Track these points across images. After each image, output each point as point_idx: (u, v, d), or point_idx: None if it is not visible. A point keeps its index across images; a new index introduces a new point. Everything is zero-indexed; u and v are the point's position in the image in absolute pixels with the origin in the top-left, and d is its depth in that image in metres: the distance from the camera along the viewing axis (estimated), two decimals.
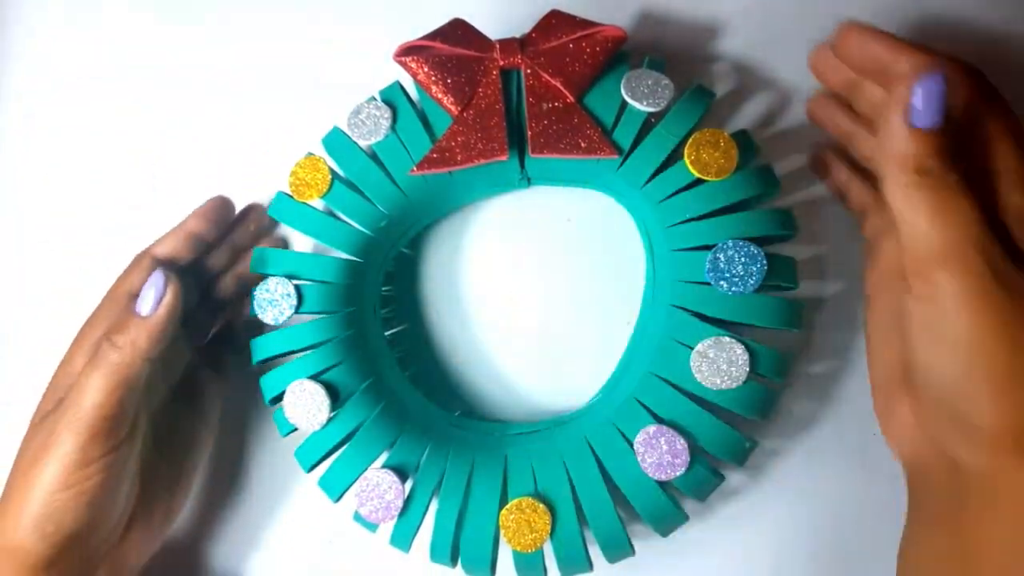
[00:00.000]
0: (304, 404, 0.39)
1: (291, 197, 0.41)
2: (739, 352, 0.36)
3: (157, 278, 0.37)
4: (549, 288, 0.45)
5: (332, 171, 0.41)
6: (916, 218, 0.28)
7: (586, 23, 0.39)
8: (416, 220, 0.43)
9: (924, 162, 0.28)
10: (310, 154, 0.42)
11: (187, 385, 0.43)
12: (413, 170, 0.39)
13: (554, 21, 0.40)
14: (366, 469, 0.39)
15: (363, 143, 0.41)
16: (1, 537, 0.35)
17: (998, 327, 0.27)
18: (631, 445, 0.37)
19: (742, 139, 0.39)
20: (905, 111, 0.28)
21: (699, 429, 0.37)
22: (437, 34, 0.40)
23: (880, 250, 0.37)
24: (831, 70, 0.37)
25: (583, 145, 0.38)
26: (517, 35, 0.40)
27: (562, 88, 0.38)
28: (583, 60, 0.39)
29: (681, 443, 0.36)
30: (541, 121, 0.38)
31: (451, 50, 0.39)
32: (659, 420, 0.37)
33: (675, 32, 0.46)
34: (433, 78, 0.39)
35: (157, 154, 0.49)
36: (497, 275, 0.46)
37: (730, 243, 0.36)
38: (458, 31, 0.40)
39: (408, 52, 0.40)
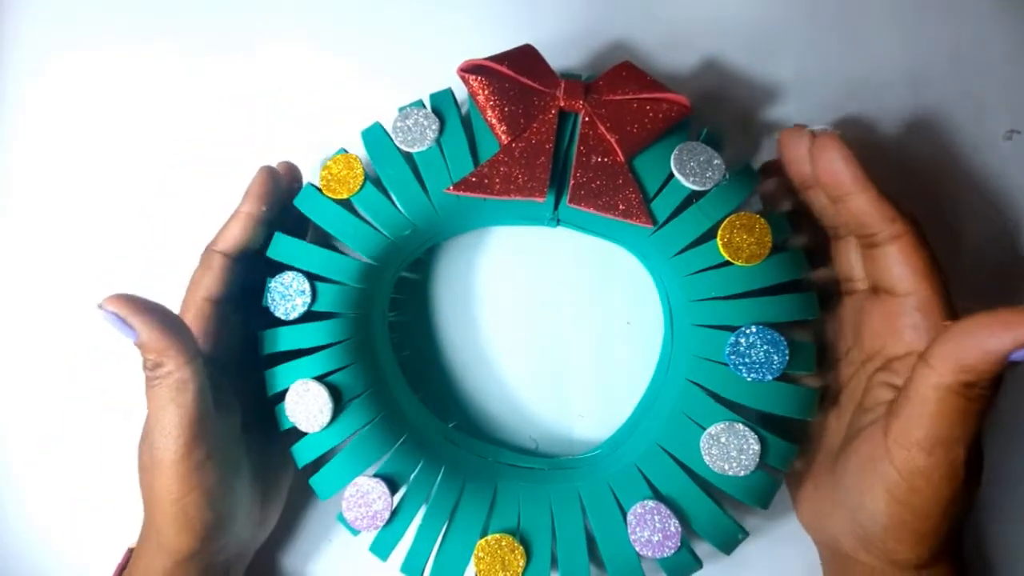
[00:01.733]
0: (306, 405, 0.39)
1: (319, 191, 0.40)
2: (751, 441, 0.36)
3: (104, 314, 0.35)
4: (558, 326, 0.45)
5: (366, 171, 0.40)
6: (933, 413, 0.31)
7: (655, 84, 0.38)
8: (439, 233, 0.43)
9: (981, 384, 0.31)
10: (343, 151, 0.41)
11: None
12: (449, 189, 0.38)
13: (624, 74, 0.39)
14: (358, 475, 0.39)
15: (405, 149, 0.40)
16: (155, 536, 0.38)
17: (945, 504, 0.32)
18: (623, 513, 0.37)
19: (779, 222, 0.38)
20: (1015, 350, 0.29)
21: (695, 511, 0.37)
22: (505, 57, 0.39)
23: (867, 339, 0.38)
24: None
25: (621, 207, 0.37)
26: (582, 76, 0.39)
27: (615, 146, 0.37)
28: (643, 123, 0.38)
29: (675, 526, 0.36)
30: (586, 173, 0.37)
31: (516, 77, 0.38)
32: (657, 495, 0.37)
33: (733, 90, 0.45)
34: (491, 102, 0.38)
35: (171, 166, 0.48)
36: (510, 299, 0.46)
37: (754, 328, 0.36)
38: (527, 59, 0.39)
39: (473, 69, 0.38)
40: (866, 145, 0.44)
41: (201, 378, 0.36)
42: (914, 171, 0.44)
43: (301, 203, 0.41)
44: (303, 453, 0.40)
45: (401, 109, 0.41)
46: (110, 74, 0.49)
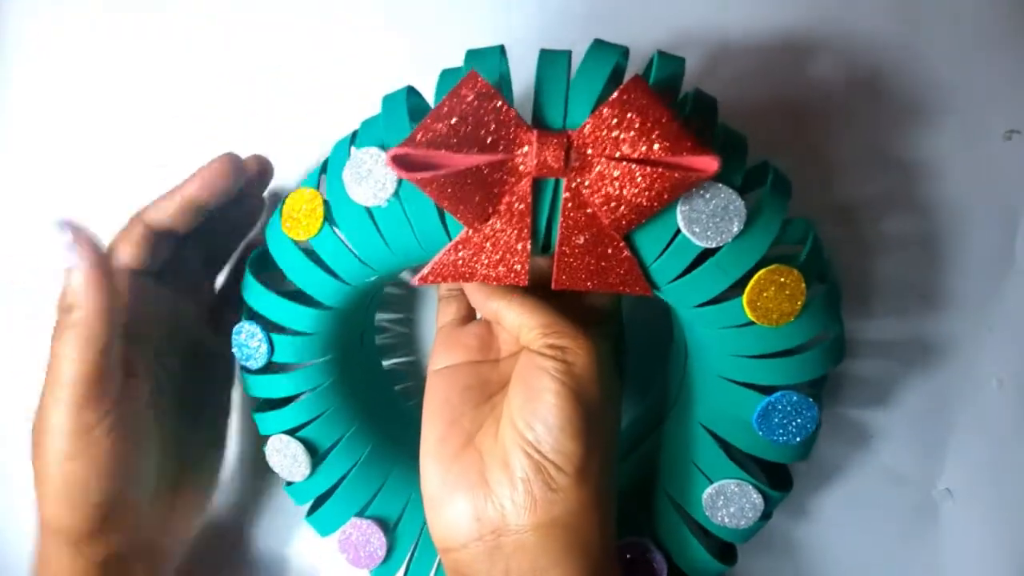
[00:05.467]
0: (284, 458, 0.38)
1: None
2: (757, 500, 0.36)
3: (58, 236, 0.34)
4: None
5: (327, 212, 0.35)
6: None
7: (672, 131, 0.29)
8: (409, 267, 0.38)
9: None
10: (305, 185, 0.35)
11: (193, 347, 0.42)
12: (414, 280, 0.34)
13: (629, 105, 0.29)
14: (353, 515, 0.39)
15: (360, 203, 0.33)
16: (43, 512, 0.35)
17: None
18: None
19: (814, 263, 0.33)
20: None
21: (681, 550, 0.38)
22: (442, 116, 0.29)
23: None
24: None
25: (611, 281, 0.33)
26: (561, 124, 0.31)
27: (607, 226, 0.31)
28: (648, 197, 0.29)
29: (659, 557, 0.38)
30: (573, 250, 0.32)
31: (464, 160, 0.30)
32: (647, 530, 0.38)
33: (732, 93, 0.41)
34: (444, 196, 0.30)
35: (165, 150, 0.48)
36: None
37: (791, 397, 0.34)
38: (475, 112, 0.29)
39: (407, 163, 0.30)
40: (864, 146, 0.43)
41: (111, 339, 0.34)
42: (914, 171, 0.44)
43: (269, 234, 0.37)
44: (298, 495, 0.41)
45: (359, 145, 0.34)
46: (109, 48, 0.49)
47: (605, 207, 0.31)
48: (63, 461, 0.34)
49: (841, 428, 0.46)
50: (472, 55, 0.33)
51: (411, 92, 0.36)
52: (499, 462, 0.34)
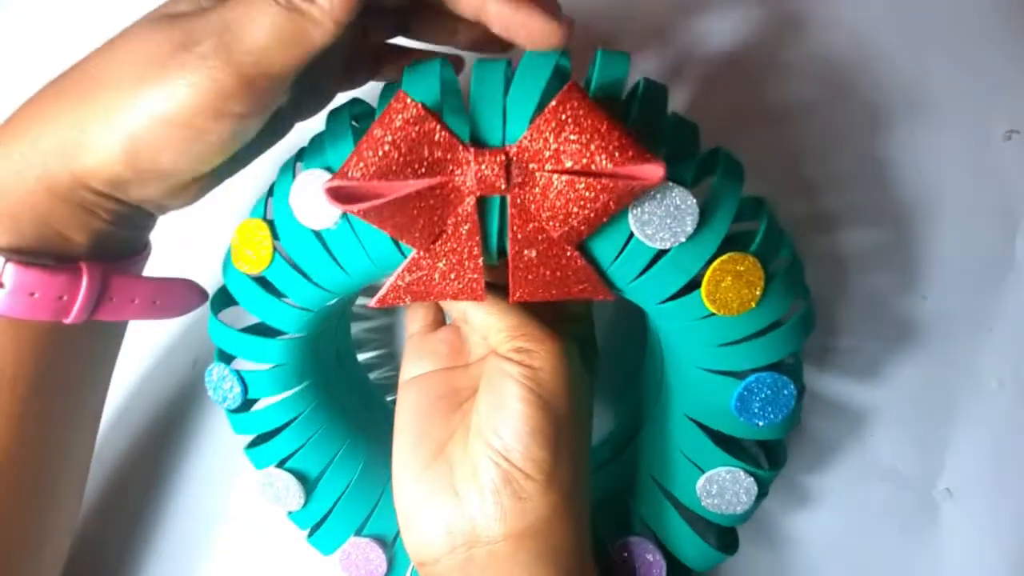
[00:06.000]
0: (277, 491, 0.38)
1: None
2: (749, 483, 0.36)
3: None
4: None
5: (276, 239, 0.34)
6: None
7: (614, 139, 0.27)
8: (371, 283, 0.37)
9: None
10: (253, 216, 0.35)
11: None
12: (371, 304, 0.33)
13: (568, 115, 0.27)
14: (353, 533, 0.40)
15: (308, 226, 0.32)
16: (78, 146, 0.29)
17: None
18: (608, 546, 0.39)
19: (771, 244, 0.33)
20: None
21: (681, 544, 0.38)
22: (375, 144, 0.28)
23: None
24: None
25: (570, 289, 0.32)
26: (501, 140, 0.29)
27: (557, 239, 0.30)
28: (593, 207, 0.28)
29: (658, 557, 0.38)
30: (526, 265, 0.31)
31: (402, 187, 0.28)
32: (644, 528, 0.39)
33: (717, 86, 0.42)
34: (387, 222, 0.30)
35: None
36: None
37: (762, 378, 0.34)
38: (405, 131, 0.28)
39: (341, 197, 0.29)
40: (866, 146, 0.44)
41: (307, 61, 0.29)
42: (914, 171, 0.44)
43: (224, 271, 0.37)
44: (300, 522, 0.41)
45: (307, 165, 0.33)
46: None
47: (553, 221, 0.30)
48: (168, 121, 0.28)
49: (840, 427, 0.46)
50: (409, 71, 0.32)
51: (356, 103, 0.36)
52: (468, 472, 0.34)
